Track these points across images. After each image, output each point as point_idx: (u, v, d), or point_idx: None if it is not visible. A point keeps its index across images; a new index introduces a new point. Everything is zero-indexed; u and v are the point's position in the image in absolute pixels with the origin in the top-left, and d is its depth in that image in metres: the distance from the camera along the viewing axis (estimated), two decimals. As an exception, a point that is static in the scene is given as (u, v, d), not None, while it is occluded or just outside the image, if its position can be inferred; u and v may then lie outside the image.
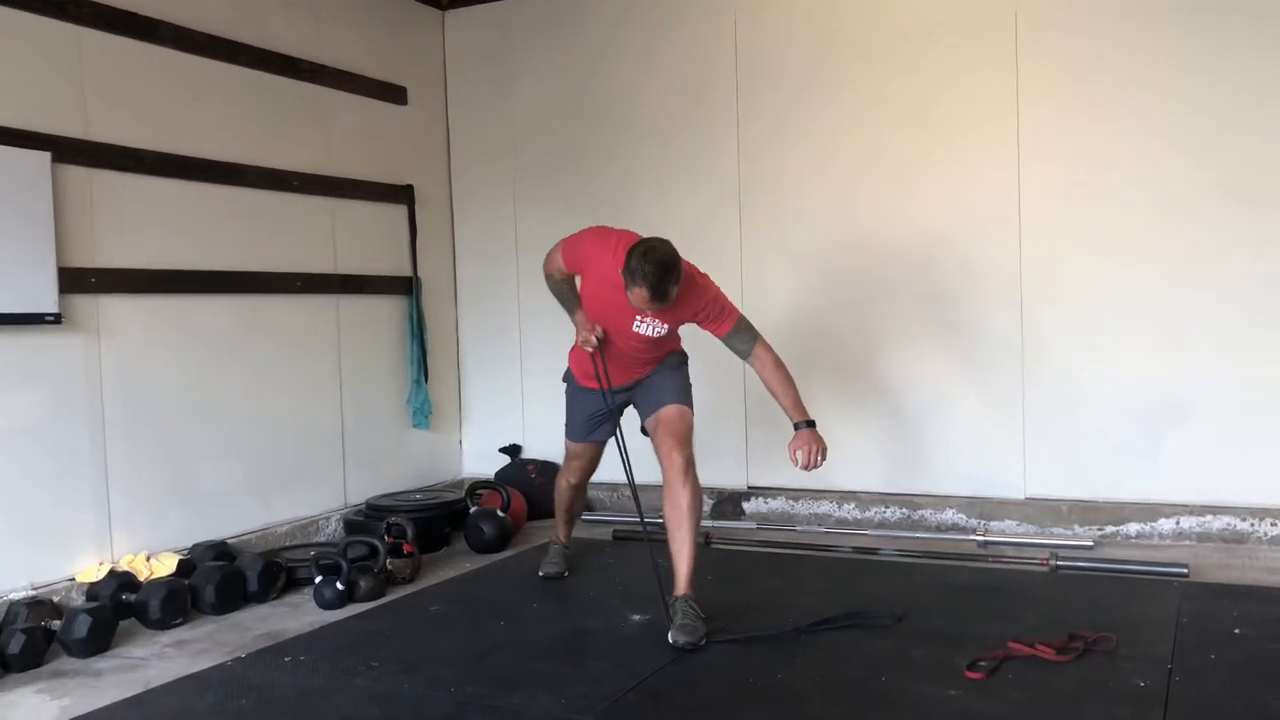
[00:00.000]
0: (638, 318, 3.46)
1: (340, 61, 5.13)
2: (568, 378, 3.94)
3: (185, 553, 4.17)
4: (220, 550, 4.22)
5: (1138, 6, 4.38)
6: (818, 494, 5.00)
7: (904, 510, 4.86)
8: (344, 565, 3.95)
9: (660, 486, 3.55)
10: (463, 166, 5.87)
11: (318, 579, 3.92)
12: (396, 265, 5.50)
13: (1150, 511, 4.45)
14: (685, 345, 3.81)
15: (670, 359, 3.74)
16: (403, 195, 5.53)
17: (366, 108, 5.31)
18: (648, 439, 3.69)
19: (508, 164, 5.73)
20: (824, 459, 3.48)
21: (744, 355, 3.57)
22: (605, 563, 4.43)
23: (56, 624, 3.43)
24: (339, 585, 3.88)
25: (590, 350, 3.58)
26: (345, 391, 5.14)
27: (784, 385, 3.53)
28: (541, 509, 5.07)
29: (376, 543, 4.17)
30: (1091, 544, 4.36)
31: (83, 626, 3.39)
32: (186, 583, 3.84)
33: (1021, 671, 2.95)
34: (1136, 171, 4.42)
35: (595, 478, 4.21)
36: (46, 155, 3.77)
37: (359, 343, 5.23)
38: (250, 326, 4.63)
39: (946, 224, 4.74)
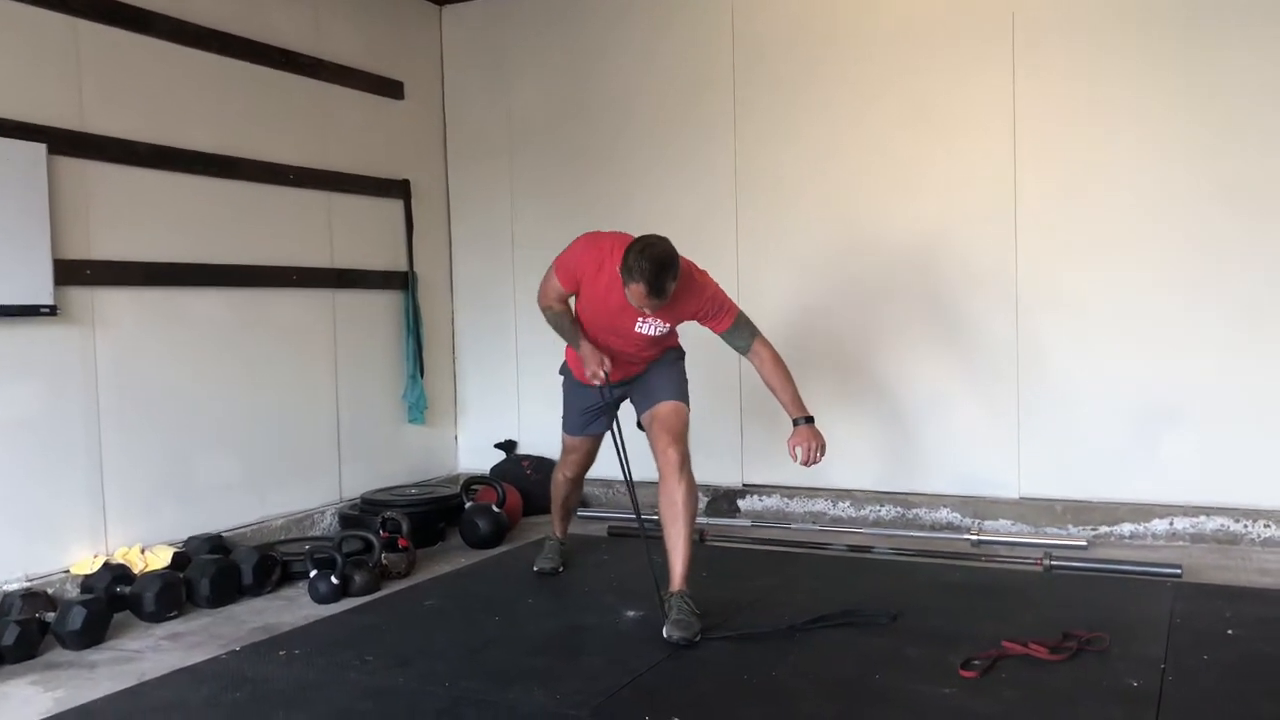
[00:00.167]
0: (639, 319, 3.46)
1: (338, 56, 5.12)
2: (565, 371, 3.94)
3: (180, 545, 4.17)
4: (215, 543, 4.22)
5: (1135, 10, 4.39)
6: (813, 492, 5.01)
7: (898, 509, 4.87)
8: (339, 559, 3.95)
9: (656, 483, 3.55)
10: (459, 162, 5.87)
11: (313, 573, 3.92)
12: (393, 260, 5.50)
13: (1144, 512, 4.46)
14: (682, 342, 3.82)
15: (667, 355, 3.75)
16: (399, 190, 5.52)
17: (363, 102, 5.30)
18: (643, 433, 3.70)
19: (504, 160, 5.73)
20: (823, 455, 3.51)
21: (743, 351, 3.58)
22: (600, 558, 4.43)
23: (51, 616, 3.43)
24: (334, 579, 3.88)
25: (598, 384, 3.54)
26: (341, 386, 5.14)
27: (783, 381, 3.54)
28: (537, 505, 5.07)
29: (372, 537, 4.17)
30: (1085, 544, 4.38)
31: (77, 618, 3.39)
32: (181, 575, 3.84)
33: (1015, 671, 2.95)
34: (1133, 174, 4.43)
35: (590, 474, 4.22)
36: (42, 147, 3.75)
37: (355, 337, 5.22)
38: (246, 320, 4.62)
39: (943, 225, 4.75)
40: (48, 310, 3.76)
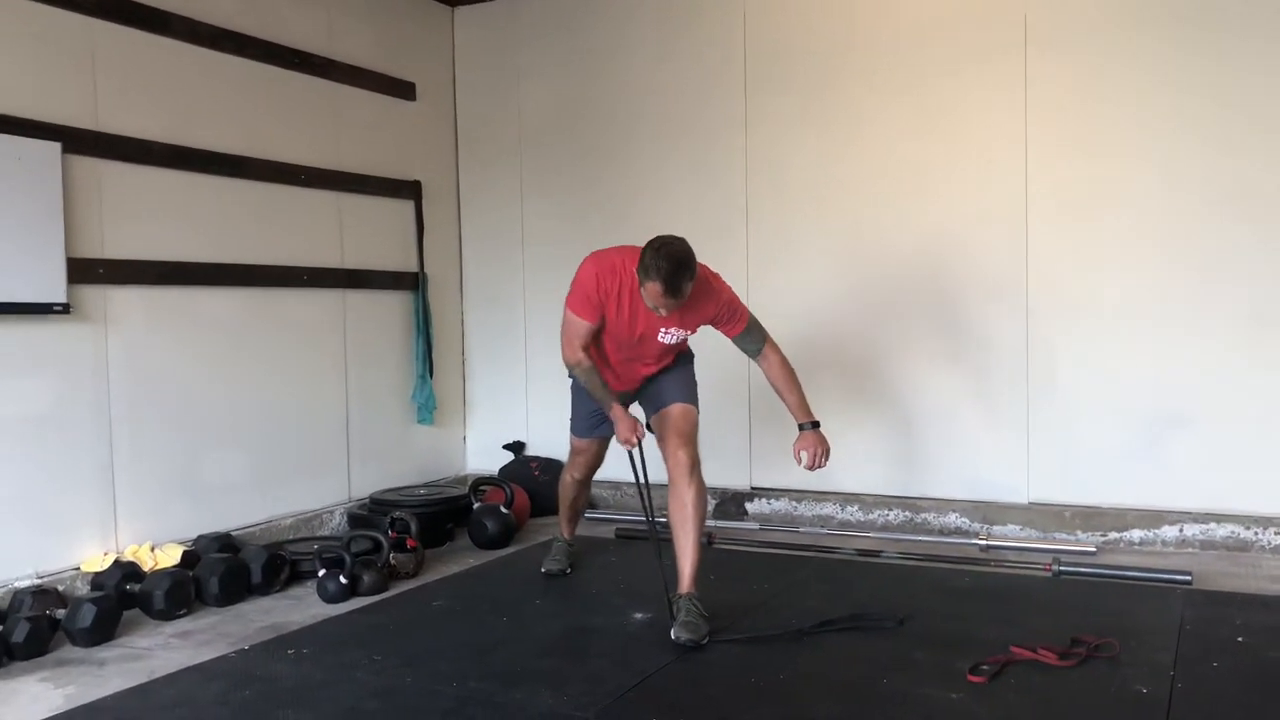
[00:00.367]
0: (662, 329, 3.46)
1: (350, 56, 5.14)
2: (573, 374, 3.93)
3: (190, 544, 4.19)
4: (224, 542, 4.23)
5: (1147, 16, 4.38)
6: (821, 496, 5.00)
7: (907, 513, 4.86)
8: (348, 559, 3.96)
9: (665, 485, 3.55)
10: (470, 162, 5.88)
11: (321, 572, 3.93)
12: (403, 260, 5.51)
13: (1154, 518, 4.45)
14: (691, 346, 3.81)
15: (678, 358, 3.75)
16: (410, 190, 5.54)
17: (375, 102, 5.32)
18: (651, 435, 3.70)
19: (515, 161, 5.74)
20: (827, 460, 3.54)
21: (753, 355, 3.59)
22: (608, 560, 4.43)
23: (61, 613, 3.45)
24: (342, 579, 3.89)
25: (629, 449, 3.49)
26: (351, 386, 5.15)
27: (790, 386, 3.56)
28: (545, 506, 5.08)
29: (380, 537, 4.18)
30: (1094, 550, 4.36)
31: (87, 616, 3.40)
32: (191, 574, 3.85)
33: (1024, 676, 2.95)
34: (1142, 181, 4.41)
35: (598, 476, 4.22)
36: (57, 146, 3.78)
37: (365, 337, 5.24)
38: (257, 319, 4.64)
39: (954, 230, 4.74)
40: (61, 308, 3.78)
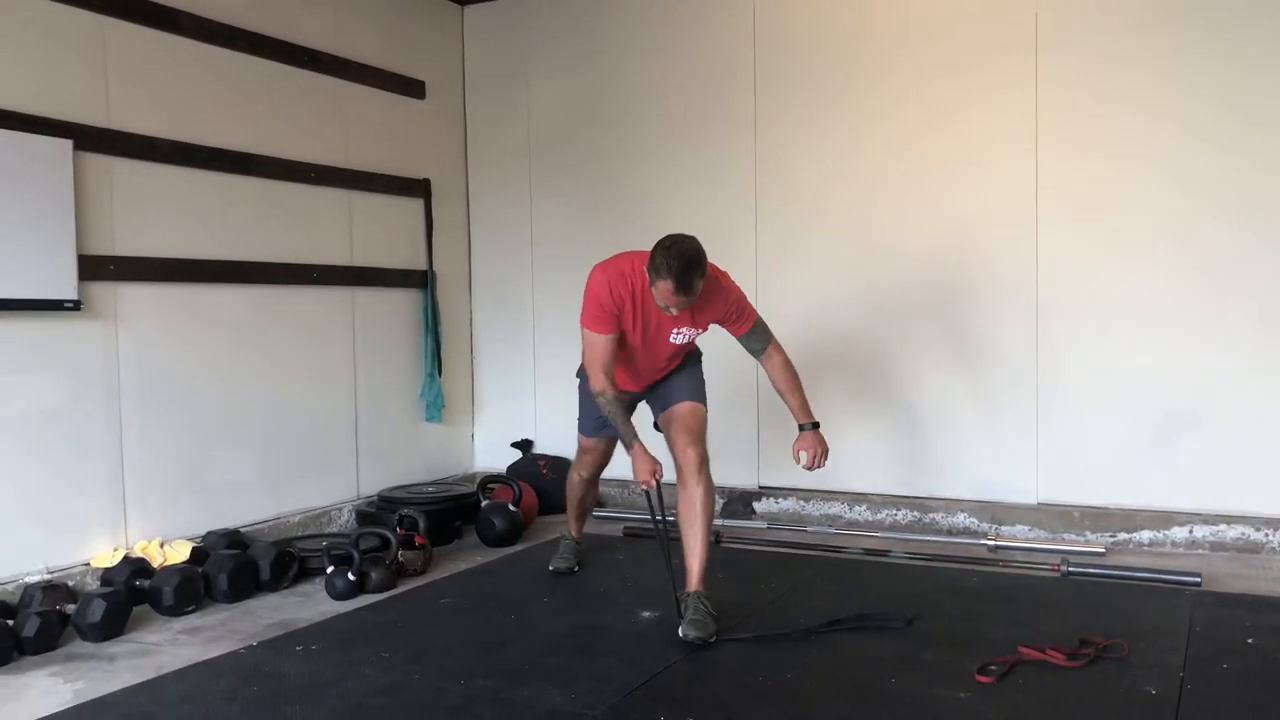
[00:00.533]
0: (675, 329, 3.46)
1: (360, 55, 5.15)
2: (581, 374, 3.93)
3: (199, 540, 4.20)
4: (233, 539, 4.24)
5: (1157, 17, 4.36)
6: (829, 495, 5.00)
7: (915, 513, 4.86)
8: (356, 556, 3.96)
9: (673, 483, 3.55)
10: (479, 161, 5.89)
11: (329, 569, 3.94)
12: (412, 259, 5.52)
13: (1163, 519, 4.43)
14: (700, 345, 3.81)
15: (686, 357, 3.75)
16: (419, 189, 5.55)
17: (385, 101, 5.33)
18: (659, 434, 3.70)
19: (524, 159, 5.75)
20: (826, 460, 3.58)
21: (756, 354, 3.60)
22: (616, 558, 4.43)
23: (71, 608, 3.46)
24: (351, 576, 3.90)
25: (647, 490, 3.41)
26: (359, 384, 5.16)
27: (792, 386, 3.58)
28: (553, 504, 5.08)
29: (388, 534, 4.19)
30: (1103, 550, 4.35)
31: (97, 611, 3.42)
32: (200, 570, 3.86)
33: (1032, 676, 2.94)
34: (1153, 182, 4.40)
35: (607, 474, 4.22)
36: (68, 143, 3.80)
37: (373, 335, 5.25)
38: (266, 317, 4.66)
39: (964, 230, 4.73)
40: (71, 305, 3.80)
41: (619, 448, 3.93)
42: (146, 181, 4.13)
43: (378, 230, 5.28)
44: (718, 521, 4.59)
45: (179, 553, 4.03)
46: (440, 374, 5.57)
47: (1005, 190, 4.65)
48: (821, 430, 3.64)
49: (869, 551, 4.46)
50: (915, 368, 4.88)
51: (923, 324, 4.86)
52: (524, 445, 5.74)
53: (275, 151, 4.68)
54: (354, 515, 4.96)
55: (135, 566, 3.82)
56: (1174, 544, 4.41)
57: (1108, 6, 4.45)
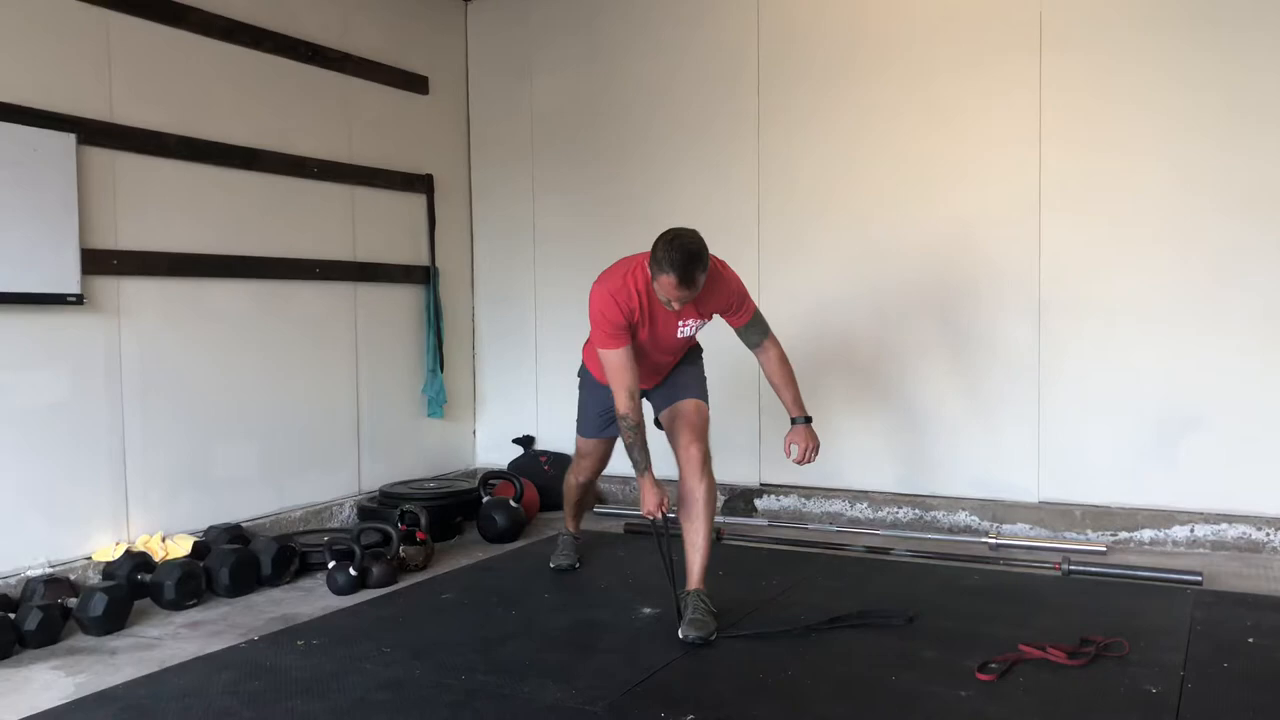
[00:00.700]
0: (680, 323, 3.46)
1: (364, 50, 5.15)
2: (583, 373, 3.93)
3: (200, 535, 4.21)
4: (235, 533, 4.25)
5: (1162, 15, 4.36)
6: (830, 492, 5.00)
7: (916, 511, 4.86)
8: (357, 551, 3.97)
9: (675, 481, 3.55)
10: (482, 157, 5.89)
11: (331, 564, 3.95)
12: (414, 254, 5.52)
13: (1164, 518, 4.43)
14: (702, 342, 3.81)
15: (688, 353, 3.75)
16: (422, 184, 5.55)
17: (388, 97, 5.33)
18: (661, 431, 3.70)
19: (527, 156, 5.75)
20: (816, 455, 3.61)
21: (753, 346, 3.62)
22: (617, 555, 4.44)
23: (73, 602, 3.47)
24: (352, 571, 3.91)
25: (652, 519, 3.41)
26: (361, 379, 5.17)
27: (787, 380, 3.60)
28: (554, 500, 5.07)
29: (390, 530, 4.19)
30: (1105, 549, 4.34)
31: (99, 605, 3.43)
32: (201, 565, 3.87)
33: (1033, 674, 2.94)
34: (1156, 181, 4.39)
35: (609, 471, 4.23)
36: (72, 137, 3.80)
37: (376, 331, 5.25)
38: (268, 312, 4.66)
39: (966, 228, 4.73)
40: (74, 299, 3.80)
41: (616, 448, 3.97)
42: (149, 176, 4.14)
43: (380, 226, 5.28)
44: (719, 518, 4.59)
45: (180, 547, 4.04)
46: (442, 370, 5.57)
47: (1008, 188, 4.64)
48: (820, 426, 3.65)
49: (870, 549, 4.46)
50: (917, 365, 4.88)
51: (925, 322, 4.85)
52: (525, 441, 5.75)
53: (278, 146, 4.68)
54: (355, 510, 4.97)
55: (137, 561, 3.82)
56: (1175, 543, 4.41)
57: (1111, 4, 4.44)
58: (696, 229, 3.29)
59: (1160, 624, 3.37)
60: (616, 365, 3.38)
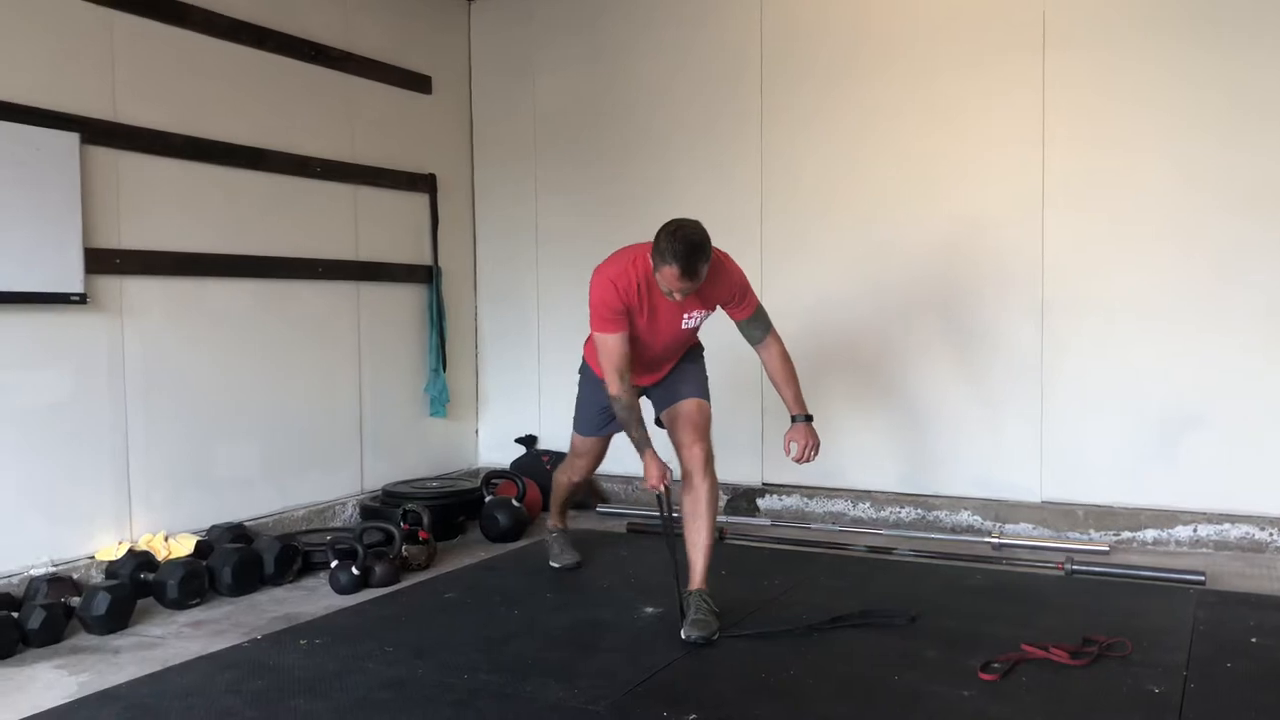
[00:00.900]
0: (684, 315, 3.45)
1: (367, 50, 5.16)
2: (583, 370, 3.92)
3: (203, 534, 4.21)
4: (237, 532, 4.25)
5: (1165, 14, 4.35)
6: (832, 492, 5.00)
7: (919, 511, 4.85)
8: (360, 550, 3.97)
9: (677, 480, 3.55)
10: (485, 157, 5.89)
11: (334, 563, 3.95)
12: (417, 254, 5.52)
13: (1167, 518, 4.43)
14: (704, 340, 3.81)
15: (689, 351, 3.75)
16: (425, 184, 5.55)
17: (391, 96, 5.33)
18: (662, 430, 3.70)
19: (530, 155, 5.75)
20: (816, 453, 3.58)
21: (755, 342, 3.60)
22: (619, 555, 4.44)
23: (76, 601, 3.47)
24: (355, 570, 3.91)
25: (656, 494, 3.43)
26: (364, 378, 5.17)
27: (788, 377, 3.58)
28: (555, 500, 5.09)
29: (392, 529, 4.20)
30: (1107, 549, 4.34)
31: (102, 604, 3.43)
32: (204, 564, 3.87)
33: (1035, 674, 2.94)
34: (1159, 181, 4.39)
35: (611, 470, 4.23)
36: (75, 136, 3.80)
37: (378, 330, 5.25)
38: (271, 311, 4.66)
39: (969, 226, 4.73)
40: (78, 298, 3.81)
41: (611, 448, 3.98)
42: (152, 175, 4.14)
43: (383, 225, 5.28)
44: (721, 518, 4.59)
45: (183, 546, 4.04)
46: (445, 369, 5.57)
47: (1010, 187, 4.64)
48: (822, 426, 3.64)
49: (872, 549, 4.46)
50: (920, 364, 4.87)
51: (927, 321, 4.85)
52: (528, 441, 5.75)
53: (281, 146, 4.69)
54: (358, 510, 4.97)
55: (140, 560, 3.83)
56: (1178, 543, 4.40)
57: (1114, 3, 4.44)
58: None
59: (1163, 624, 3.37)
60: (610, 349, 3.39)
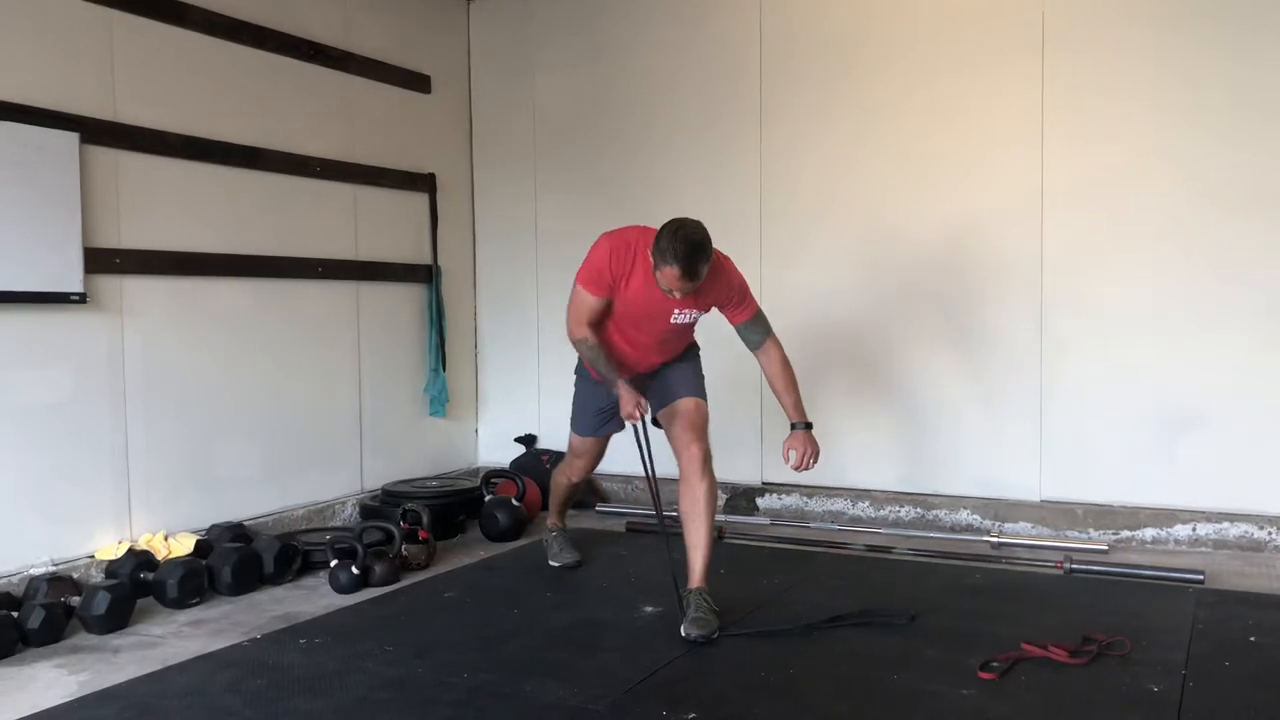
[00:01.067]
0: (676, 310, 3.45)
1: (366, 49, 5.16)
2: (579, 370, 3.92)
3: (203, 533, 4.21)
4: (237, 532, 4.26)
5: (1164, 13, 4.35)
6: (832, 491, 5.00)
7: (918, 510, 4.86)
8: (360, 550, 3.97)
9: (675, 479, 3.55)
10: (485, 156, 5.89)
11: (333, 563, 3.95)
12: (417, 253, 5.52)
13: (1166, 517, 4.43)
14: (700, 340, 3.82)
15: (686, 351, 3.75)
16: (424, 183, 5.55)
17: (391, 95, 5.33)
18: (659, 430, 3.70)
19: (529, 155, 5.75)
20: (815, 462, 3.57)
21: (754, 346, 3.59)
22: (619, 554, 4.44)
23: (76, 600, 3.47)
24: (354, 569, 3.91)
25: (633, 425, 3.47)
26: (364, 377, 5.17)
27: (788, 383, 3.57)
28: (555, 499, 5.09)
29: (392, 528, 4.20)
30: (1106, 548, 4.35)
31: (102, 603, 3.43)
32: (204, 563, 3.87)
33: (1034, 673, 2.94)
34: (1158, 180, 4.39)
35: (610, 469, 4.23)
36: (75, 136, 3.80)
37: (378, 329, 5.26)
38: (271, 311, 4.66)
39: (968, 227, 4.73)
40: (77, 298, 3.81)
41: (610, 447, 3.98)
42: (152, 175, 4.14)
43: (383, 225, 5.28)
44: (720, 517, 4.60)
45: (183, 546, 4.04)
46: (444, 369, 5.58)
47: (1010, 187, 4.64)
48: (822, 425, 3.64)
49: (871, 548, 4.46)
50: (919, 364, 4.88)
51: (927, 321, 4.86)
52: (527, 440, 5.75)
53: (281, 145, 4.69)
54: (358, 509, 4.97)
55: (139, 559, 3.83)
56: (1177, 542, 4.40)
57: (1113, 3, 4.44)
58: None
59: (1162, 623, 3.37)
60: (583, 303, 3.47)
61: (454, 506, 4.89)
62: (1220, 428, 4.34)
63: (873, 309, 4.94)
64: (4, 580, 3.59)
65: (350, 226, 5.10)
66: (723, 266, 3.43)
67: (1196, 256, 4.35)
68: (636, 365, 3.65)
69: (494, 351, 5.94)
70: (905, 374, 4.91)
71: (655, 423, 3.72)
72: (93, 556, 3.89)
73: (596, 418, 3.89)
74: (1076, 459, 4.60)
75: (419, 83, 5.51)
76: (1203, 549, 4.35)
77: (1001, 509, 4.71)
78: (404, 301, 5.45)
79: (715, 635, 3.26)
